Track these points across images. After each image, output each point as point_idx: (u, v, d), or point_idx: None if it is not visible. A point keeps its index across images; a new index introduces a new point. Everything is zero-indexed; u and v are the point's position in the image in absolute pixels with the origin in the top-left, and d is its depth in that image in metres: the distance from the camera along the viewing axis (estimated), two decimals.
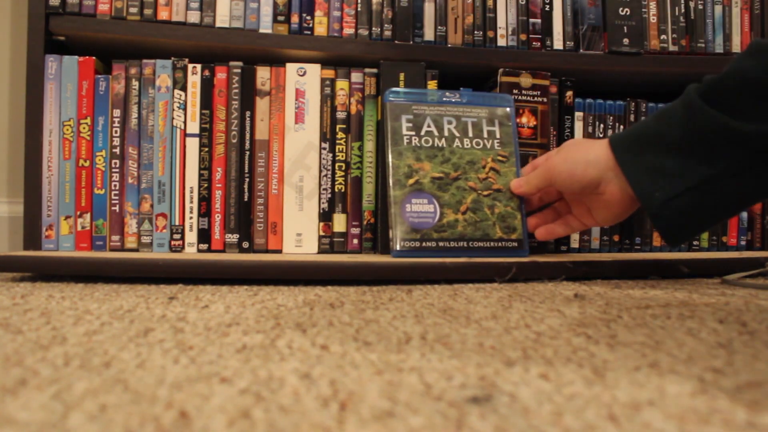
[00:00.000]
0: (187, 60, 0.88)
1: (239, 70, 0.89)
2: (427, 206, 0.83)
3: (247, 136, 0.89)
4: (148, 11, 0.88)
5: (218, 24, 0.89)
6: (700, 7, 1.02)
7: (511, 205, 0.86)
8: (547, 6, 0.98)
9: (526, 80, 0.94)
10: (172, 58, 0.88)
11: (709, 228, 0.73)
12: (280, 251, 0.89)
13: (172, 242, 0.87)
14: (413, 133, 0.86)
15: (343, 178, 0.91)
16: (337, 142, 0.91)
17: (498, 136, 0.89)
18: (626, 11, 0.99)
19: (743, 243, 1.04)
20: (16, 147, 1.04)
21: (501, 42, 0.96)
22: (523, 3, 0.97)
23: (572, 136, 0.98)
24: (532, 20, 0.97)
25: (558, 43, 0.98)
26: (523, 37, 0.97)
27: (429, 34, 0.94)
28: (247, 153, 0.89)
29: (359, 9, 0.93)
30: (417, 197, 0.83)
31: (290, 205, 0.89)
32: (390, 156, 0.84)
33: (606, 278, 0.82)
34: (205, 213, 0.88)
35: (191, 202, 0.88)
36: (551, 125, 0.97)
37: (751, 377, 0.35)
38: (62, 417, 0.27)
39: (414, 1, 0.94)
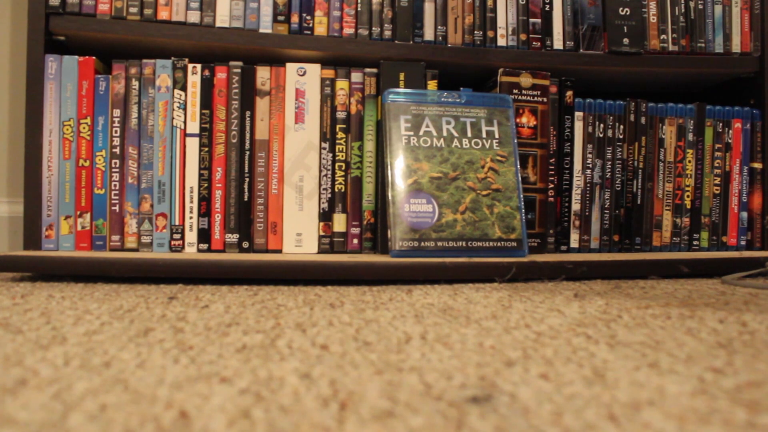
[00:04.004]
0: (187, 60, 0.88)
1: (239, 70, 0.89)
2: (425, 206, 0.83)
3: (247, 136, 0.89)
4: (148, 11, 0.88)
5: (218, 24, 0.89)
6: (700, 7, 1.02)
7: (510, 205, 0.86)
8: (547, 6, 0.97)
9: (526, 80, 0.94)
10: (172, 58, 0.88)
11: None
12: (280, 251, 0.89)
13: (172, 242, 0.87)
14: (412, 133, 0.86)
15: (343, 178, 0.91)
16: (337, 142, 0.91)
17: (497, 136, 0.89)
18: (626, 11, 0.99)
19: (743, 243, 1.04)
20: (16, 147, 1.04)
21: (501, 42, 0.96)
22: (523, 3, 0.97)
23: (572, 136, 0.98)
24: (532, 20, 0.97)
25: (558, 43, 0.98)
26: (523, 37, 0.97)
27: (429, 34, 0.94)
28: (247, 153, 0.89)
29: (359, 9, 0.93)
30: (416, 197, 0.83)
31: (290, 205, 0.89)
32: (389, 156, 0.84)
33: (606, 278, 0.82)
34: (205, 213, 0.88)
35: (191, 202, 0.88)
36: (551, 125, 0.97)
37: (751, 377, 0.35)
38: (62, 417, 0.27)
39: (414, 1, 0.94)
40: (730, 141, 1.03)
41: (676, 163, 1.02)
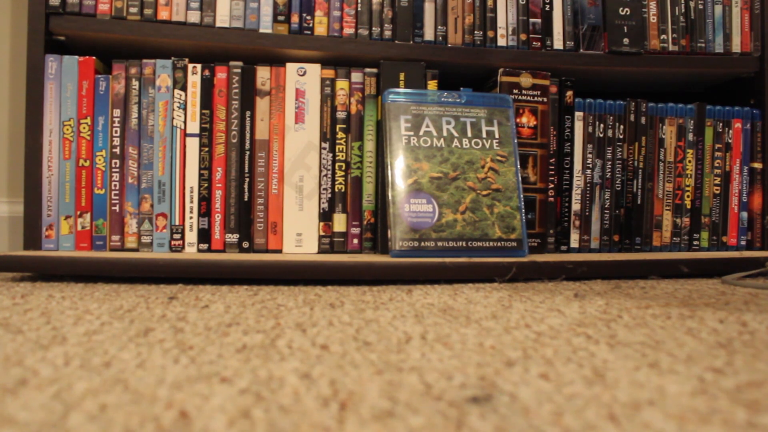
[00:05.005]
0: (187, 60, 0.88)
1: (239, 70, 0.89)
2: (425, 206, 0.83)
3: (247, 136, 0.89)
4: (148, 11, 0.88)
5: (218, 24, 0.89)
6: (700, 7, 1.02)
7: (510, 205, 0.86)
8: (547, 6, 0.97)
9: (526, 80, 0.94)
10: (172, 58, 0.88)
11: None
12: (280, 251, 0.89)
13: (172, 242, 0.87)
14: (412, 133, 0.86)
15: (343, 178, 0.91)
16: (337, 142, 0.91)
17: (497, 135, 0.89)
18: (626, 11, 0.99)
19: (743, 243, 1.04)
20: (16, 147, 1.04)
21: (501, 42, 0.96)
22: (523, 3, 0.97)
23: (572, 136, 0.98)
24: (532, 20, 0.97)
25: (558, 43, 0.98)
26: (523, 37, 0.97)
27: (429, 34, 0.94)
28: (247, 153, 0.89)
29: (359, 9, 0.93)
30: (416, 197, 0.83)
31: (290, 205, 0.89)
32: (389, 156, 0.84)
33: (606, 278, 0.82)
34: (205, 213, 0.88)
35: (191, 202, 0.88)
36: (551, 125, 0.97)
37: (751, 377, 0.35)
38: (62, 417, 0.27)
39: (414, 1, 0.94)
40: (730, 141, 1.03)
41: (676, 163, 1.02)
